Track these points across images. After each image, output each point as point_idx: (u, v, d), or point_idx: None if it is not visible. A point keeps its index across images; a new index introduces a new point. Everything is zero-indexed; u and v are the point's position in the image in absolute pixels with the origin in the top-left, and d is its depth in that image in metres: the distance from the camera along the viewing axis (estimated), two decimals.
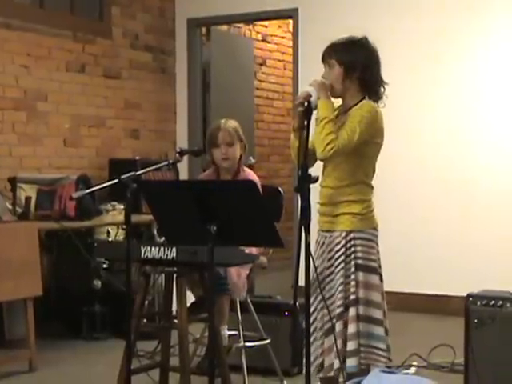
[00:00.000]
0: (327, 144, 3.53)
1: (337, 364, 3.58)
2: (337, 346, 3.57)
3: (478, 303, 4.54)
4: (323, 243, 3.72)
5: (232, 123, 4.73)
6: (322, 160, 3.66)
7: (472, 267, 6.93)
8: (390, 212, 7.05)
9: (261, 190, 4.31)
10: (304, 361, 3.44)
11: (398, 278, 7.01)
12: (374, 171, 3.75)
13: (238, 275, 4.63)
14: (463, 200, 7.13)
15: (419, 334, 6.38)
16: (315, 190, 3.41)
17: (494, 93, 7.07)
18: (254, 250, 4.49)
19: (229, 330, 4.73)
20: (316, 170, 3.60)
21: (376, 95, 3.72)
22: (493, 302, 4.51)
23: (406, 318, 6.91)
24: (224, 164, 4.70)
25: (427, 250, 7.21)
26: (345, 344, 3.60)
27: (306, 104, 3.50)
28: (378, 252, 3.72)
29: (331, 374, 3.63)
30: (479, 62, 7.11)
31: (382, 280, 3.72)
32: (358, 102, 3.68)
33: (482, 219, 7.05)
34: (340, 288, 3.62)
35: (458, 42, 7.18)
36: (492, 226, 7.01)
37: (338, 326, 3.61)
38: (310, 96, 3.52)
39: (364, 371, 3.58)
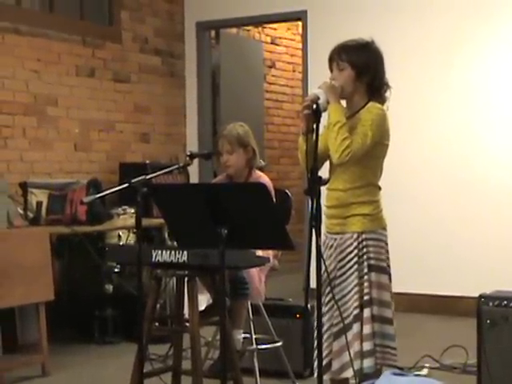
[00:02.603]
0: (344, 149, 3.52)
1: (356, 365, 3.58)
2: (348, 348, 3.56)
3: (491, 304, 4.52)
4: (332, 245, 3.72)
5: (236, 129, 4.70)
6: (337, 165, 3.66)
7: (484, 267, 6.92)
8: (401, 213, 7.05)
9: (273, 192, 4.33)
10: (316, 363, 3.44)
11: (409, 279, 7.01)
12: (381, 172, 3.75)
13: (259, 279, 4.63)
14: (475, 200, 7.11)
15: (431, 336, 6.37)
16: (323, 192, 3.40)
17: (504, 94, 7.05)
18: (270, 253, 4.49)
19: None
20: (322, 173, 3.59)
21: (381, 98, 3.72)
22: (505, 302, 4.50)
23: (417, 320, 6.90)
24: (228, 171, 4.71)
25: (438, 250, 7.19)
26: (361, 345, 3.60)
27: (314, 107, 3.49)
28: (387, 252, 3.73)
29: (344, 375, 3.62)
30: (490, 64, 7.09)
31: (390, 280, 3.72)
32: (365, 105, 3.67)
33: (494, 219, 7.03)
34: (355, 289, 3.62)
35: (468, 46, 7.16)
36: (504, 225, 6.99)
37: (356, 327, 3.61)
38: (318, 98, 3.50)
39: (377, 372, 3.58)
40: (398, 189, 6.90)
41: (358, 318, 3.61)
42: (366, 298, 3.62)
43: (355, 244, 3.65)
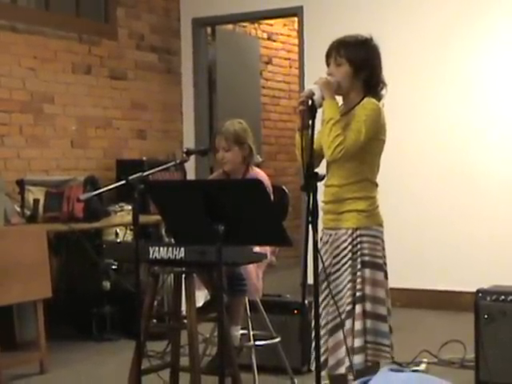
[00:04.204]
0: (336, 146, 3.52)
1: (347, 361, 3.58)
2: (346, 344, 3.56)
3: (488, 298, 4.54)
4: (327, 241, 3.72)
5: (233, 126, 4.68)
6: (331, 162, 3.66)
7: (482, 262, 6.92)
8: (399, 208, 7.06)
9: (271, 188, 4.33)
10: (313, 358, 3.44)
11: (407, 274, 7.02)
12: (378, 168, 3.74)
13: (256, 275, 4.63)
14: (473, 195, 7.11)
15: (429, 331, 6.37)
16: (320, 188, 3.40)
17: (501, 88, 7.05)
18: (267, 249, 4.49)
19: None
20: (320, 169, 3.59)
21: (377, 95, 3.71)
22: (503, 297, 4.51)
23: (415, 315, 6.91)
24: (224, 167, 4.71)
25: (436, 245, 7.20)
26: (353, 341, 3.60)
27: (309, 103, 3.48)
28: (383, 249, 3.72)
29: (340, 371, 3.62)
30: (486, 58, 7.09)
31: (386, 277, 3.72)
32: (360, 101, 3.67)
33: (492, 214, 7.03)
34: (348, 285, 3.62)
35: (464, 41, 7.16)
36: (502, 220, 6.99)
37: (348, 324, 3.61)
38: (313, 94, 3.49)
39: (371, 368, 3.58)
40: (395, 184, 6.91)
41: (351, 314, 3.61)
42: (358, 294, 3.61)
43: (349, 240, 3.64)
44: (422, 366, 5.16)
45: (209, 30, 8.66)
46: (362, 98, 3.67)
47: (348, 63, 3.66)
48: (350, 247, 3.64)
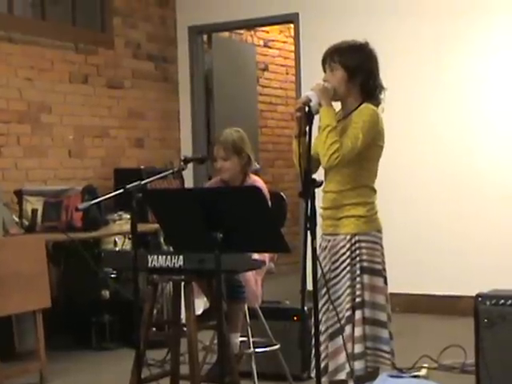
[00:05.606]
0: (332, 153, 3.52)
1: (347, 367, 3.58)
2: (346, 350, 3.56)
3: (488, 303, 4.53)
4: (326, 247, 3.72)
5: (231, 136, 4.70)
6: (327, 169, 3.66)
7: (481, 267, 6.91)
8: (398, 213, 7.06)
9: (268, 196, 4.33)
10: (313, 365, 3.44)
11: (406, 279, 7.01)
12: (376, 174, 3.73)
13: (255, 282, 4.63)
14: (471, 199, 7.11)
15: (429, 336, 6.37)
16: (318, 194, 3.40)
17: (498, 92, 7.06)
18: (266, 256, 4.49)
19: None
20: (318, 174, 3.59)
21: (376, 100, 3.72)
22: (502, 301, 4.50)
23: (415, 320, 6.90)
24: (223, 176, 4.72)
25: (435, 250, 7.19)
26: (353, 347, 3.60)
27: (306, 109, 3.49)
28: (382, 254, 3.71)
29: (340, 377, 3.61)
30: (482, 62, 7.09)
31: (386, 283, 3.71)
32: (358, 106, 3.67)
33: (491, 218, 7.03)
34: (347, 291, 3.62)
35: (461, 45, 7.17)
36: (501, 224, 6.98)
37: (348, 329, 3.61)
38: (310, 101, 3.50)
39: (372, 374, 3.58)
40: (393, 189, 6.90)
41: (350, 320, 3.61)
42: (357, 300, 3.61)
43: (348, 246, 3.64)
44: (423, 372, 5.16)
45: (205, 37, 8.67)
46: (360, 104, 3.67)
47: (342, 68, 3.67)
48: (348, 253, 3.64)
